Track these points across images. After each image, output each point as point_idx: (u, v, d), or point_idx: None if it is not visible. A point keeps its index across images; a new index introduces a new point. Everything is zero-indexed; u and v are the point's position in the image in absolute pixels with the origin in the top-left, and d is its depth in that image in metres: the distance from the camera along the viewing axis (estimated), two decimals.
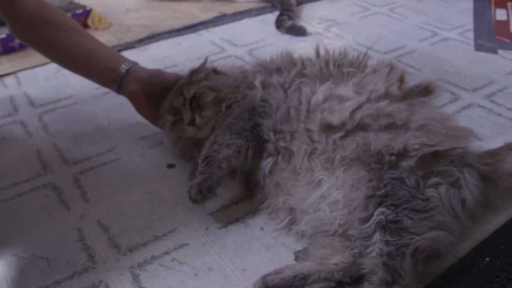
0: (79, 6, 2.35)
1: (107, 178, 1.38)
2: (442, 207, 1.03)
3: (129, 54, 1.98)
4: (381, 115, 1.14)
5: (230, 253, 1.14)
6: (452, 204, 1.05)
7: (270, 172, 1.21)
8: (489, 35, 2.21)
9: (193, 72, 1.36)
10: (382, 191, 1.03)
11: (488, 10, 2.49)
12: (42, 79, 1.92)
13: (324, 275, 1.01)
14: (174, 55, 2.08)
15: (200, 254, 1.14)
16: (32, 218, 1.25)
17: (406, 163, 1.05)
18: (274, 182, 1.20)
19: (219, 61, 1.89)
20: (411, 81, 1.27)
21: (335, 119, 1.15)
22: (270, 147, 1.22)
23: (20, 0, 1.33)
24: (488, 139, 1.45)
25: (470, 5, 2.57)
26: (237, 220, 1.23)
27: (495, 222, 1.19)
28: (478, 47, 2.11)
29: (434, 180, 1.05)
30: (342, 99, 1.19)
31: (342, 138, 1.14)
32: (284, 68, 1.31)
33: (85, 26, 2.29)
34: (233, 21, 2.44)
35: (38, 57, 1.95)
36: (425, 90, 1.24)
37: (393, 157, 1.06)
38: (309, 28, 2.28)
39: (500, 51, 2.06)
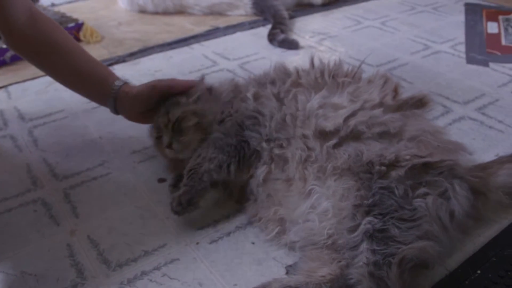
0: (71, 19, 2.36)
1: (98, 193, 1.37)
2: (429, 217, 1.03)
3: (120, 68, 2.00)
4: (375, 123, 1.15)
5: (221, 268, 1.13)
6: (439, 215, 1.04)
7: (264, 180, 1.21)
8: (480, 48, 2.21)
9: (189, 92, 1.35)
10: (370, 200, 1.03)
11: (479, 23, 2.50)
12: (33, 93, 1.91)
13: (311, 287, 1.00)
14: (166, 69, 2.08)
15: (191, 269, 1.13)
16: (21, 234, 1.23)
17: (395, 173, 1.05)
18: (267, 193, 1.20)
19: (211, 75, 1.90)
20: (404, 94, 1.27)
21: (329, 125, 1.15)
22: (264, 155, 1.22)
23: (12, 13, 1.32)
24: (480, 151, 1.46)
25: (462, 18, 2.59)
26: (228, 234, 1.22)
27: (486, 235, 1.19)
28: (470, 60, 2.11)
29: (422, 190, 1.05)
30: (336, 107, 1.20)
31: (335, 146, 1.14)
32: (278, 79, 1.32)
33: (77, 39, 2.30)
34: (225, 34, 2.45)
35: (29, 71, 1.96)
36: (419, 103, 1.24)
37: (383, 167, 1.06)
38: (301, 42, 2.28)
39: (491, 64, 2.06)
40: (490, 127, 1.62)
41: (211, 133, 1.29)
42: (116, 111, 1.43)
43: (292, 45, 2.25)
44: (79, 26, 2.33)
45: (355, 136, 1.14)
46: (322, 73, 1.29)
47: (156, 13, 2.73)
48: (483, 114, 1.69)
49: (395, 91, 1.25)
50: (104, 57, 2.15)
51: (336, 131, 1.15)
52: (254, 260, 1.15)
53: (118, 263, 1.15)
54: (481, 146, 1.51)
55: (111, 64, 2.08)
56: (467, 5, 2.76)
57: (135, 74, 1.99)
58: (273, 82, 1.33)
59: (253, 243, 1.19)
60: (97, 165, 1.48)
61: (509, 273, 1.07)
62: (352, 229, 1.03)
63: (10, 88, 1.96)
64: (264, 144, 1.23)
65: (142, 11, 2.75)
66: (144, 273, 1.12)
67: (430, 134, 1.16)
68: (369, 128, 1.14)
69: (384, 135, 1.14)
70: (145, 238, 1.21)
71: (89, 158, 1.51)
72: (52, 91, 1.91)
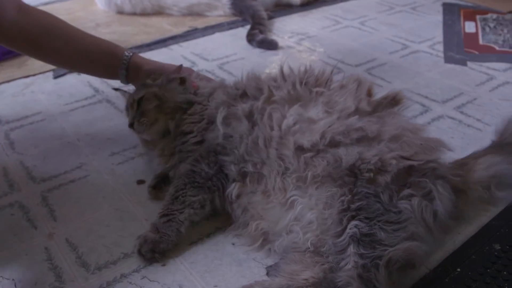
0: None
1: (76, 196, 1.36)
2: (414, 219, 1.03)
3: None
4: (351, 130, 1.14)
5: (201, 269, 1.12)
6: (424, 217, 1.05)
7: (238, 196, 1.20)
8: (458, 48, 2.23)
9: (158, 74, 1.38)
10: (356, 204, 1.03)
11: (457, 22, 2.52)
12: (9, 96, 1.88)
13: None
14: None
15: (171, 271, 1.12)
16: None
17: (382, 179, 1.05)
18: (242, 208, 1.19)
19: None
20: (382, 94, 1.27)
21: (305, 142, 1.14)
22: (232, 174, 1.21)
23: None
24: (459, 150, 1.46)
25: (440, 18, 2.61)
26: (208, 235, 1.21)
27: (466, 232, 1.20)
28: (448, 59, 2.13)
29: (406, 191, 1.05)
30: (312, 121, 1.18)
31: (313, 156, 1.13)
32: (250, 94, 1.29)
33: None
34: (204, 35, 2.44)
35: (5, 74, 1.93)
36: (393, 101, 1.24)
37: (371, 174, 1.05)
38: (280, 42, 2.28)
39: (469, 63, 2.08)
40: (469, 125, 1.63)
41: (185, 133, 1.30)
42: (127, 81, 1.46)
43: (271, 45, 2.25)
44: None
45: (332, 145, 1.14)
46: (293, 84, 1.26)
47: (134, 13, 2.71)
48: (462, 112, 1.71)
49: (369, 93, 1.24)
50: None
51: (313, 146, 1.14)
52: (234, 261, 1.14)
53: (97, 266, 1.14)
54: (460, 145, 1.52)
55: None
56: (444, 5, 2.78)
57: None
58: (244, 96, 1.30)
59: (233, 244, 1.19)
60: (75, 168, 1.47)
61: (488, 270, 1.08)
62: (338, 234, 1.02)
63: None
64: (233, 167, 1.21)
65: (120, 11, 2.73)
66: (123, 276, 1.11)
67: (410, 132, 1.16)
68: (346, 137, 1.13)
69: (363, 140, 1.13)
70: (124, 241, 1.20)
71: (66, 161, 1.49)
72: (29, 93, 1.89)
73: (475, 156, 1.28)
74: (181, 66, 1.44)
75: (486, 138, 1.52)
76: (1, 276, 1.11)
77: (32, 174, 1.44)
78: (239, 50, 2.26)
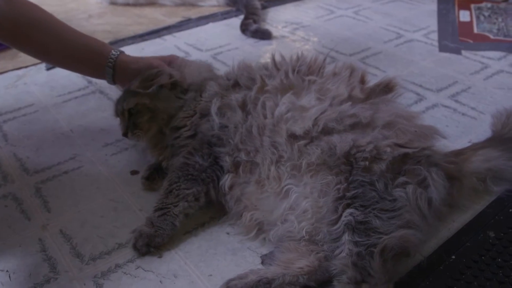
0: None
1: (69, 187, 1.35)
2: (409, 206, 1.03)
3: None
4: (344, 117, 1.14)
5: (196, 259, 1.12)
6: (419, 204, 1.05)
7: (231, 187, 1.19)
8: (453, 36, 2.23)
9: (146, 78, 1.31)
10: (352, 192, 1.02)
11: (452, 11, 2.52)
12: (2, 88, 1.87)
13: (288, 279, 1.00)
14: None
15: (165, 260, 1.12)
16: None
17: (377, 167, 1.05)
18: (235, 199, 1.18)
19: None
20: (373, 82, 1.27)
21: (298, 129, 1.14)
22: (227, 166, 1.20)
23: None
24: (453, 138, 1.46)
25: (434, 7, 2.61)
26: (202, 225, 1.21)
27: (460, 220, 1.20)
28: (442, 48, 2.12)
29: (401, 179, 1.05)
30: (304, 108, 1.17)
31: (306, 144, 1.13)
32: (243, 84, 1.28)
33: None
34: (197, 25, 2.43)
35: None
36: (386, 88, 1.24)
37: (366, 162, 1.05)
38: (274, 32, 2.28)
39: (463, 52, 2.08)
40: (463, 114, 1.63)
41: (179, 127, 1.29)
42: (113, 81, 1.41)
43: (265, 35, 2.24)
44: None
45: (326, 132, 1.13)
46: (286, 73, 1.25)
47: (127, 4, 2.70)
48: (456, 101, 1.70)
49: (362, 81, 1.24)
50: None
51: (306, 134, 1.14)
52: (229, 250, 1.14)
53: (91, 256, 1.13)
54: (455, 133, 1.52)
55: None
56: None
57: None
58: (236, 85, 1.29)
59: (227, 233, 1.18)
60: (68, 159, 1.46)
61: (482, 257, 1.08)
62: (333, 222, 1.02)
63: None
64: (227, 158, 1.20)
65: (113, 2, 2.72)
66: (118, 266, 1.10)
67: (404, 119, 1.16)
68: (340, 123, 1.13)
69: (356, 126, 1.13)
70: (118, 231, 1.19)
71: (60, 152, 1.49)
72: (22, 85, 1.88)
73: (475, 147, 1.28)
74: (172, 57, 1.41)
75: (480, 126, 1.53)
76: None
77: (26, 166, 1.43)
78: (233, 40, 2.25)
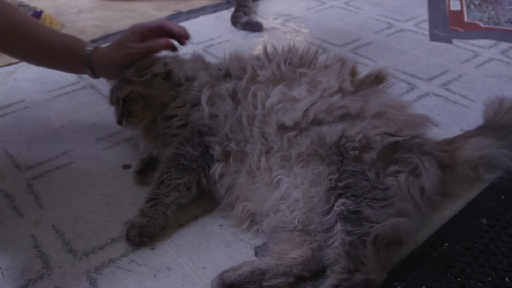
0: (29, 7, 2.30)
1: (62, 182, 1.34)
2: (401, 195, 1.04)
3: None
4: (334, 108, 1.13)
5: (189, 252, 1.12)
6: (411, 193, 1.05)
7: (221, 176, 1.19)
8: (443, 25, 2.23)
9: (140, 67, 1.31)
10: (344, 182, 1.02)
11: (442, 1, 2.52)
12: None
13: (282, 269, 1.00)
14: None
15: (158, 254, 1.11)
16: None
17: (368, 156, 1.05)
18: (226, 188, 1.18)
19: None
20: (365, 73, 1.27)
21: (288, 120, 1.13)
22: (217, 155, 1.20)
23: None
24: (445, 126, 1.46)
25: None
26: (195, 218, 1.21)
27: (453, 208, 1.20)
28: (433, 37, 2.13)
29: (393, 168, 1.05)
30: (295, 100, 1.17)
31: (296, 135, 1.12)
32: (234, 74, 1.28)
33: None
34: (188, 19, 2.42)
35: None
36: (377, 79, 1.23)
37: (356, 152, 1.05)
38: (265, 24, 2.27)
39: (454, 41, 2.08)
40: (455, 102, 1.63)
41: (170, 117, 1.29)
42: (94, 75, 1.40)
43: (255, 27, 2.24)
44: (37, 14, 2.26)
45: (316, 123, 1.13)
46: (278, 64, 1.24)
47: None
48: (447, 90, 1.71)
49: (353, 73, 1.23)
50: None
51: (296, 125, 1.13)
52: (222, 242, 1.14)
53: (84, 251, 1.13)
54: (446, 121, 1.52)
55: None
56: None
57: None
58: (227, 76, 1.29)
59: (220, 226, 1.18)
60: (60, 155, 1.45)
61: (475, 244, 1.08)
62: (326, 212, 1.02)
63: None
64: (217, 147, 1.20)
65: None
66: (111, 261, 1.10)
67: (394, 109, 1.15)
68: (329, 115, 1.13)
69: (346, 117, 1.13)
70: (111, 225, 1.19)
71: (51, 148, 1.48)
72: (12, 81, 1.87)
73: (467, 135, 1.28)
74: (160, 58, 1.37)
75: (472, 114, 1.54)
76: None
77: (17, 162, 1.43)
78: (223, 33, 2.24)
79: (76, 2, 2.67)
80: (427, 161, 1.10)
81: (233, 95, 1.23)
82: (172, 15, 2.46)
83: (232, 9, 2.43)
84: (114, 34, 2.24)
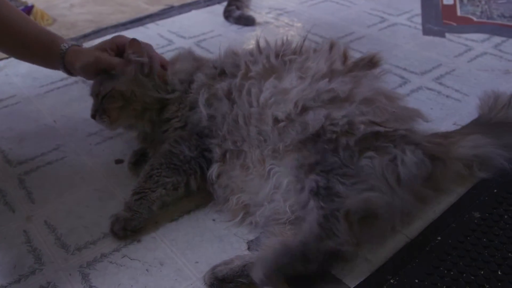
0: (20, 2, 2.29)
1: (54, 177, 1.34)
2: (375, 175, 1.03)
3: None
4: (322, 93, 1.12)
5: (182, 246, 1.11)
6: (385, 175, 1.03)
7: (218, 176, 1.19)
8: (436, 19, 2.23)
9: (139, 65, 1.28)
10: (312, 159, 1.03)
11: None
12: None
13: None
14: None
15: (151, 249, 1.11)
16: None
17: (344, 139, 1.04)
18: (224, 186, 1.18)
19: (167, 54, 1.86)
20: None
21: (280, 113, 1.12)
22: (216, 156, 1.20)
23: None
24: (438, 120, 1.47)
25: None
26: (188, 212, 1.21)
27: (446, 202, 1.20)
28: (426, 31, 2.12)
29: (369, 154, 1.04)
30: (285, 91, 1.16)
31: (285, 126, 1.11)
32: (228, 71, 1.26)
33: None
34: (180, 13, 2.42)
35: None
36: (370, 63, 1.22)
37: (333, 135, 1.05)
38: (258, 18, 2.27)
39: (447, 35, 2.08)
40: (447, 96, 1.63)
41: (169, 120, 1.28)
42: (70, 73, 1.36)
43: (248, 21, 2.23)
44: (28, 9, 2.26)
45: (303, 112, 1.12)
46: (268, 57, 1.23)
47: None
48: (440, 84, 1.70)
49: (344, 56, 1.22)
50: None
51: (287, 118, 1.12)
52: (215, 237, 1.14)
53: (77, 246, 1.13)
54: (439, 115, 1.52)
55: None
56: None
57: None
58: (222, 74, 1.27)
59: (213, 220, 1.18)
60: (52, 150, 1.45)
61: (468, 238, 1.08)
62: (300, 190, 1.03)
63: None
64: (217, 149, 1.19)
65: None
66: (104, 255, 1.10)
67: (385, 98, 1.14)
68: (316, 101, 1.11)
69: (333, 101, 1.11)
70: (104, 220, 1.18)
71: (43, 143, 1.48)
72: (3, 76, 1.86)
73: (464, 132, 1.28)
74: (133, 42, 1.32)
75: (465, 108, 1.54)
76: None
77: (8, 158, 1.42)
78: (216, 27, 2.24)
79: None
80: (411, 151, 1.07)
81: (228, 94, 1.22)
82: (164, 9, 2.45)
83: (225, 3, 2.43)
84: (106, 28, 2.23)
